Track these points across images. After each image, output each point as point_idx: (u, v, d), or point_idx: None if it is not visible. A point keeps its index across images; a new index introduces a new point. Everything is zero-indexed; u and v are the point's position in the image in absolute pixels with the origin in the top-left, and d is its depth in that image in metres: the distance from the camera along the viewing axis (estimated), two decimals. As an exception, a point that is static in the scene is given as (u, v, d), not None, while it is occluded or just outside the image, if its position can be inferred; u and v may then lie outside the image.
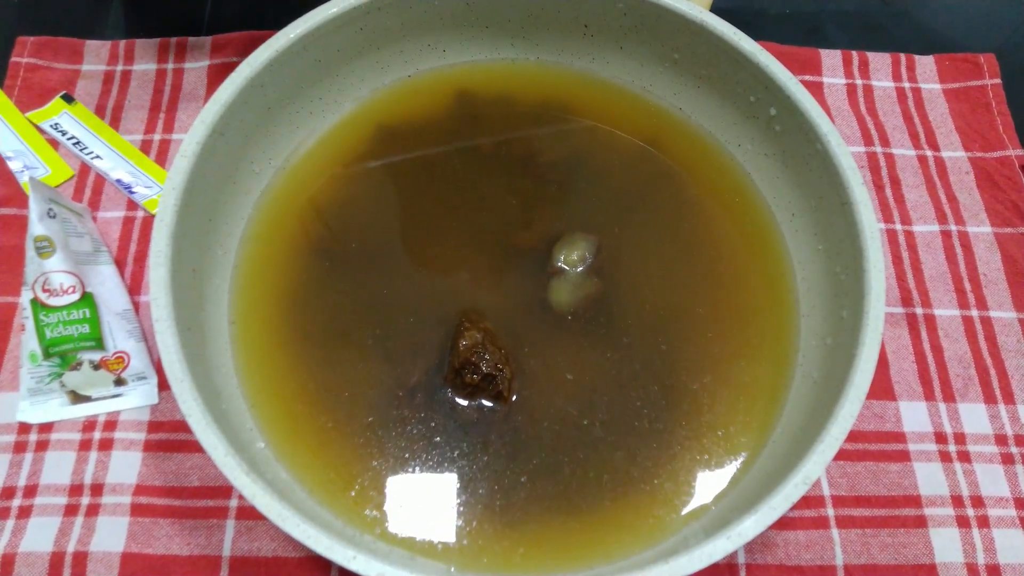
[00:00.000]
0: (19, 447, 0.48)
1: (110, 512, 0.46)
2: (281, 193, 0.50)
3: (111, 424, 0.48)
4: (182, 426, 0.48)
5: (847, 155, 0.44)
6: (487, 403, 0.44)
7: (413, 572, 0.34)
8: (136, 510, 0.46)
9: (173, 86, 0.60)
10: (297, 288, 0.47)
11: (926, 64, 0.65)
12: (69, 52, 0.61)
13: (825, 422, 0.38)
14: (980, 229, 0.58)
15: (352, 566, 0.34)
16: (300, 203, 0.50)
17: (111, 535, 0.45)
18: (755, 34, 0.48)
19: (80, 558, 0.44)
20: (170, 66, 0.61)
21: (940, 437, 0.50)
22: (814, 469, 0.36)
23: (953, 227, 0.58)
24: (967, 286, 0.56)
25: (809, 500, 0.48)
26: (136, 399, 0.49)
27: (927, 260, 0.56)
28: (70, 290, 0.49)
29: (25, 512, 0.46)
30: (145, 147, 0.58)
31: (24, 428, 0.48)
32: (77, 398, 0.49)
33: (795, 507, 0.36)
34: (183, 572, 0.44)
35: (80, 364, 0.48)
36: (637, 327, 0.47)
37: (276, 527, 0.34)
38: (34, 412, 0.48)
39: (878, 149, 0.61)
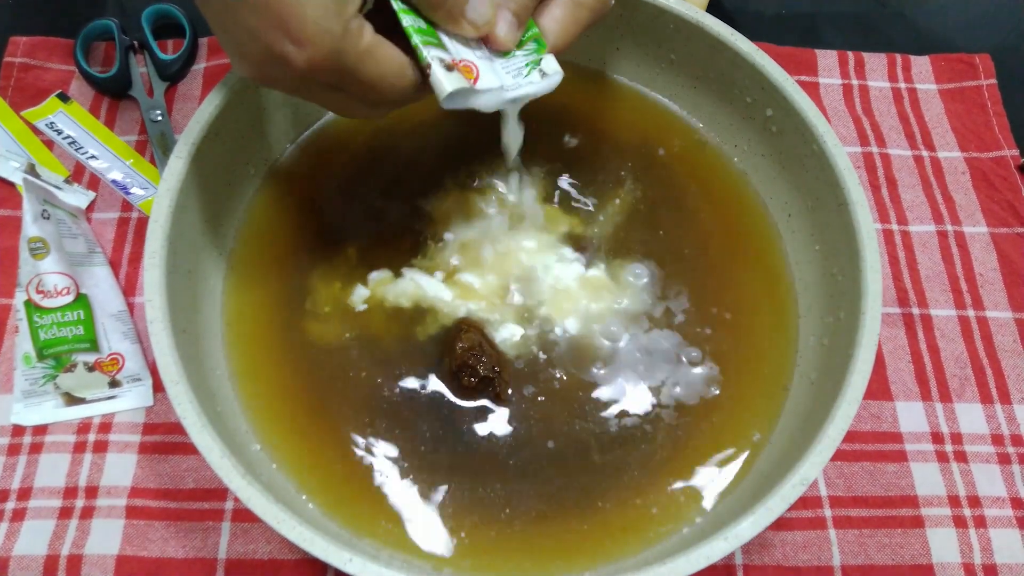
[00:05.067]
0: (13, 449, 0.47)
1: (105, 515, 0.45)
2: (276, 193, 0.50)
3: (106, 426, 0.48)
4: (177, 428, 0.48)
5: (843, 155, 0.44)
6: (484, 405, 0.44)
7: (410, 575, 0.33)
8: (131, 513, 0.46)
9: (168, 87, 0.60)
10: (292, 289, 0.47)
11: (922, 64, 0.65)
12: (63, 52, 0.61)
13: (822, 423, 0.38)
14: (976, 229, 0.58)
15: (348, 569, 0.33)
16: (295, 204, 0.50)
17: (106, 538, 0.45)
18: (751, 35, 0.48)
19: (75, 561, 0.44)
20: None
21: (937, 437, 0.50)
22: (811, 470, 0.36)
23: (949, 227, 0.58)
24: (963, 286, 0.56)
25: (806, 501, 0.48)
26: (131, 401, 0.49)
27: (923, 260, 0.56)
28: (64, 292, 0.48)
29: (19, 515, 0.45)
30: (140, 147, 0.58)
31: (18, 430, 0.48)
32: (71, 400, 0.48)
33: (792, 508, 0.36)
34: (178, 575, 0.44)
35: (74, 366, 0.48)
36: (634, 328, 0.47)
37: (272, 530, 0.34)
38: (28, 414, 0.48)
39: (874, 149, 0.61)
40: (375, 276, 0.47)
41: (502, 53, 0.38)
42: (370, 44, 0.34)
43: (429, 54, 0.35)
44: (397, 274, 0.47)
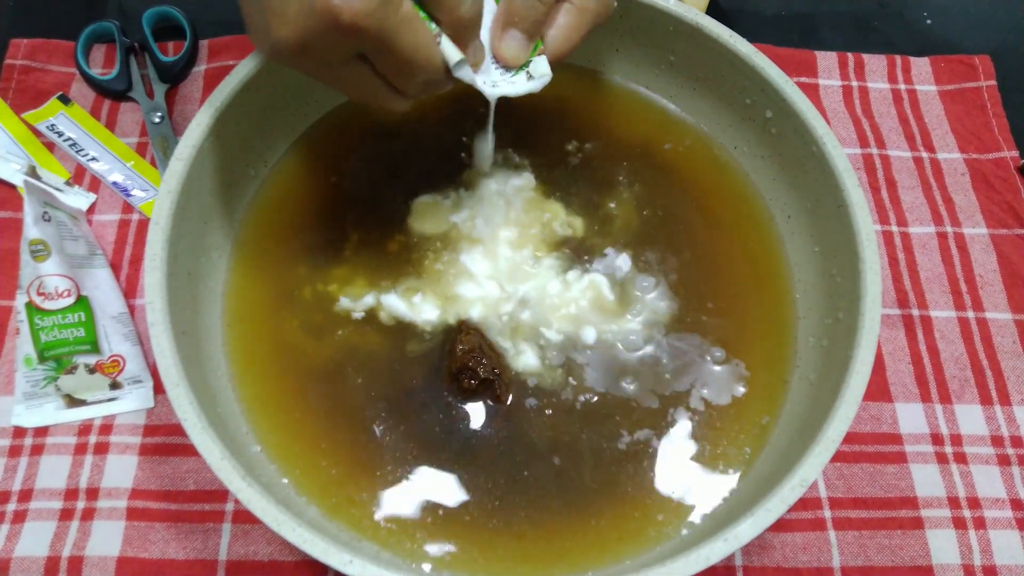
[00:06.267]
0: (14, 451, 0.47)
1: (106, 516, 0.46)
2: (276, 195, 0.50)
3: (107, 428, 0.48)
4: (178, 430, 0.48)
5: (843, 157, 0.44)
6: (484, 406, 0.44)
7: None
8: (132, 514, 0.46)
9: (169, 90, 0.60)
10: (293, 291, 0.47)
11: (921, 66, 0.65)
12: (63, 55, 0.61)
13: (822, 424, 0.38)
14: (976, 231, 0.58)
15: (348, 570, 0.33)
16: (295, 205, 0.50)
17: (107, 539, 0.45)
18: (750, 36, 0.48)
19: (75, 563, 0.44)
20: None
21: (936, 439, 0.50)
22: (811, 471, 0.36)
23: (949, 229, 0.58)
24: (963, 287, 0.56)
25: (806, 502, 0.48)
26: (132, 403, 0.49)
27: (923, 262, 0.56)
28: (65, 294, 0.48)
29: (20, 517, 0.46)
30: (141, 149, 0.58)
31: (19, 432, 0.48)
32: (72, 402, 0.48)
33: (792, 509, 0.36)
34: (179, 576, 0.44)
35: (75, 368, 0.48)
36: (634, 329, 0.47)
37: (272, 531, 0.34)
38: (29, 416, 0.48)
39: (874, 151, 0.61)
40: (375, 283, 0.47)
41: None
42: (410, 12, 0.34)
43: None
44: (396, 281, 0.47)
